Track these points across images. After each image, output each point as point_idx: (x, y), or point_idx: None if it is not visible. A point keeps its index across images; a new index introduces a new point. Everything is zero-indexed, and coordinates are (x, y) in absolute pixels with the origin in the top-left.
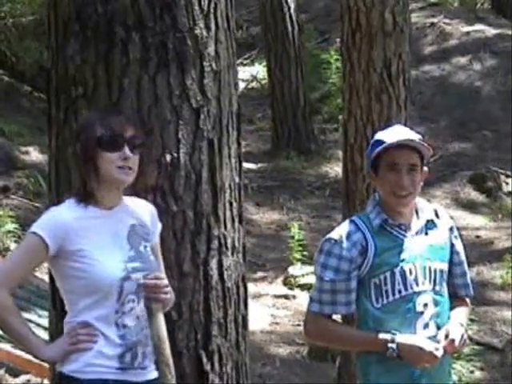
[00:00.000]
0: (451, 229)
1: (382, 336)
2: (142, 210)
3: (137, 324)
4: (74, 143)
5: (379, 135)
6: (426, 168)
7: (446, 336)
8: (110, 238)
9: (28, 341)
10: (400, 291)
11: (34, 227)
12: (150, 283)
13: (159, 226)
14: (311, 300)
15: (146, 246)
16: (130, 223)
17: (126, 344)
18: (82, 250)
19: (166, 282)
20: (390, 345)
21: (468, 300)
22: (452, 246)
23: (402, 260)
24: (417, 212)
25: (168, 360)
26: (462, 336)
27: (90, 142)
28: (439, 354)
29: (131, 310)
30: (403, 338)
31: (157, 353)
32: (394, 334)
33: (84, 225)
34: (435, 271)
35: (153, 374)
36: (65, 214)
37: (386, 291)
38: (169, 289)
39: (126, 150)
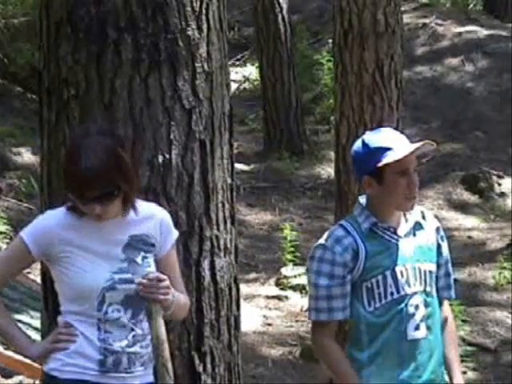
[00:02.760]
0: (437, 230)
1: None
2: (151, 219)
3: (122, 331)
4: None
5: (378, 141)
6: None
7: None
8: (100, 248)
9: (14, 338)
10: (392, 294)
11: (22, 231)
12: (146, 283)
13: (173, 235)
14: (309, 309)
15: (145, 257)
16: (130, 234)
17: (106, 348)
18: (67, 257)
19: (166, 283)
20: None
21: (448, 304)
22: (438, 246)
23: (393, 263)
24: (405, 214)
25: (167, 362)
26: None
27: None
28: None
29: (117, 319)
30: None
31: (156, 354)
32: None
33: (73, 233)
34: (425, 272)
35: (144, 379)
36: (53, 222)
37: (379, 294)
38: (169, 290)
39: (95, 206)
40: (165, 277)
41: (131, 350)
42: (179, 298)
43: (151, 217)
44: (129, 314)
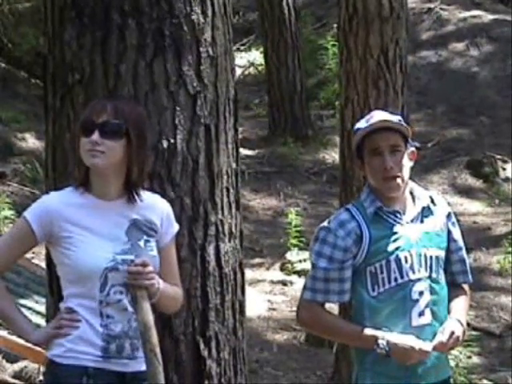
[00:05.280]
0: (448, 215)
1: (372, 333)
2: (154, 208)
3: (123, 315)
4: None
5: (358, 123)
6: (412, 148)
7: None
8: (103, 228)
9: (16, 322)
10: (396, 279)
11: (26, 211)
12: (131, 270)
13: (174, 227)
14: (305, 287)
15: (147, 241)
16: (133, 217)
17: (108, 334)
18: (70, 237)
19: (150, 269)
20: (380, 342)
21: (467, 287)
22: (449, 232)
23: (398, 248)
24: (413, 199)
25: (155, 347)
26: (452, 333)
27: (76, 128)
28: (429, 349)
29: (118, 301)
30: (394, 337)
31: (143, 340)
32: (384, 331)
33: (76, 212)
34: (431, 258)
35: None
36: (56, 200)
37: (382, 279)
38: (154, 276)
39: (95, 134)
40: (149, 263)
41: (133, 334)
42: (166, 287)
43: (154, 206)
44: (130, 296)
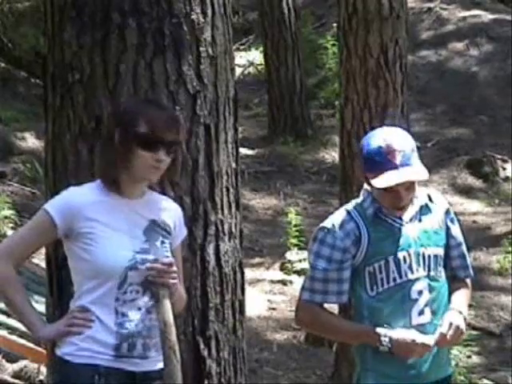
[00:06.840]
0: (447, 212)
1: (374, 330)
2: (168, 211)
3: (137, 314)
4: (111, 127)
5: (373, 148)
6: None
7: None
8: (124, 226)
9: (26, 317)
10: (395, 279)
11: (47, 204)
12: (158, 267)
13: (184, 231)
14: (303, 288)
15: (163, 242)
16: (151, 218)
17: (122, 333)
18: (91, 233)
19: (175, 268)
20: (382, 339)
21: (468, 281)
22: (448, 229)
23: (396, 248)
24: (411, 198)
25: (174, 345)
26: (450, 324)
27: (129, 136)
28: (431, 342)
29: (133, 300)
30: (396, 333)
31: (163, 338)
32: (386, 328)
33: (98, 209)
34: (429, 257)
35: (158, 365)
36: (80, 196)
37: (381, 279)
38: (175, 275)
39: (162, 153)
40: (174, 261)
41: (147, 333)
42: (181, 287)
43: (169, 209)
44: (146, 297)
